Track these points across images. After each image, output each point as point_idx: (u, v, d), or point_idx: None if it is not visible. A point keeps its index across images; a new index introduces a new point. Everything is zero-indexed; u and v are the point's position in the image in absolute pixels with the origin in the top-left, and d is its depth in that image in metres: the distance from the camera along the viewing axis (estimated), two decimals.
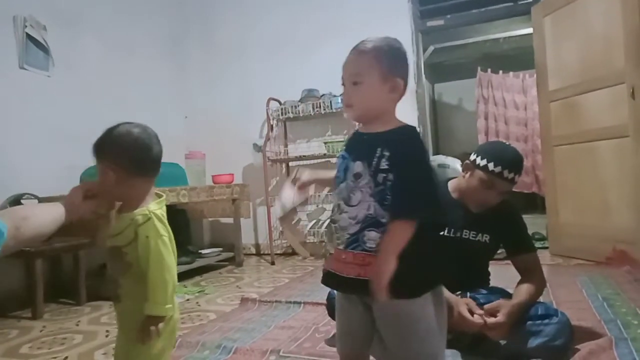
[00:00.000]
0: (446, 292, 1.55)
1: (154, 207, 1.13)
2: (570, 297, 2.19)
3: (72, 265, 2.75)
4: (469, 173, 1.65)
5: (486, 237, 1.70)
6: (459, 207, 1.72)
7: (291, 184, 1.24)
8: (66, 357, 1.85)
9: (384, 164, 0.96)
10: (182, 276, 3.10)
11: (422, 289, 0.97)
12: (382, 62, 1.05)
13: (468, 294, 1.70)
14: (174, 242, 1.13)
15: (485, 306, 1.52)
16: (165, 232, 1.11)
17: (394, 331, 0.99)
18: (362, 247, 0.96)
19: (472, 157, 1.65)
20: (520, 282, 1.65)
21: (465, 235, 1.70)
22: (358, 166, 1.01)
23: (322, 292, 2.13)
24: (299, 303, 2.32)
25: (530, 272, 1.65)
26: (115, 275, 1.13)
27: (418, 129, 3.74)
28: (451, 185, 1.78)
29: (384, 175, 0.96)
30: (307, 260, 3.82)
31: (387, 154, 0.97)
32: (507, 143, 1.76)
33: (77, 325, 2.33)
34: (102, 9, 3.64)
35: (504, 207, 1.74)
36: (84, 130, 3.31)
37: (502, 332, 1.45)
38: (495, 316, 1.47)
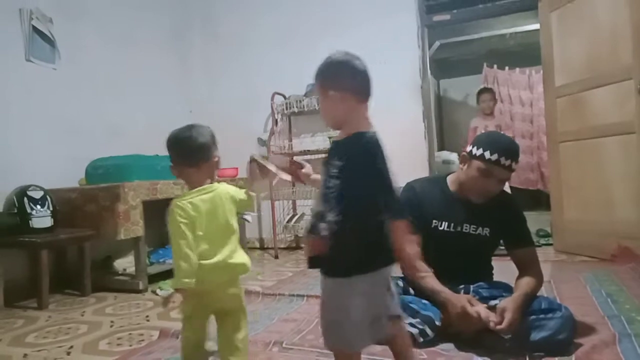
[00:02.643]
0: (447, 292, 1.55)
1: (182, 197, 1.34)
2: (574, 293, 2.18)
3: (77, 257, 2.77)
4: (466, 164, 1.66)
5: (487, 230, 1.70)
6: (458, 201, 1.72)
7: (286, 164, 1.34)
8: (71, 347, 1.86)
9: (332, 171, 1.07)
10: None
11: (343, 272, 1.08)
12: (319, 79, 1.22)
13: (471, 288, 1.70)
14: (199, 224, 1.30)
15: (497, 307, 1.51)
16: (183, 219, 1.28)
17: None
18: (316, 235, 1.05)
19: (468, 148, 1.67)
20: (519, 277, 1.65)
21: (466, 229, 1.71)
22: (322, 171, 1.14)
23: None
24: (302, 296, 2.33)
25: (529, 267, 1.66)
26: None
27: (423, 123, 3.77)
28: (450, 179, 1.79)
29: (329, 180, 1.07)
30: None
31: (336, 162, 1.07)
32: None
33: (82, 315, 2.35)
34: (107, 2, 3.64)
35: (505, 201, 1.74)
36: (89, 123, 3.37)
37: (509, 328, 1.45)
38: (502, 317, 1.46)
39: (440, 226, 1.72)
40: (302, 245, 4.09)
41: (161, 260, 3.20)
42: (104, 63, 3.56)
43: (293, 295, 2.37)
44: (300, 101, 3.90)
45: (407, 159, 3.77)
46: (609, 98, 2.85)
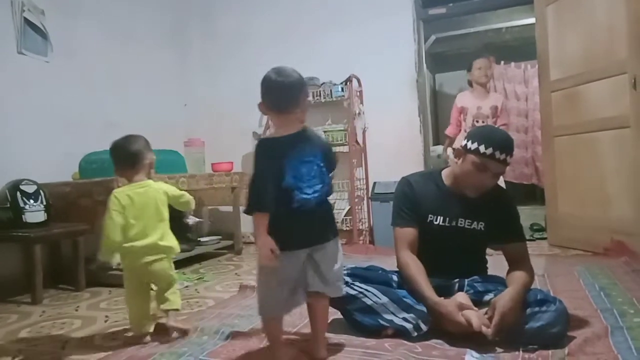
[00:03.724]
0: (436, 300, 1.56)
1: (120, 189, 1.81)
2: (567, 286, 2.20)
3: (71, 251, 2.76)
4: (461, 159, 1.66)
5: (481, 224, 1.71)
6: (453, 196, 1.73)
7: None
8: (66, 342, 1.86)
9: None
10: (181, 263, 3.11)
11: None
12: None
13: (466, 282, 1.71)
14: (130, 212, 1.75)
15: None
16: (115, 206, 1.74)
17: None
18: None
19: (463, 142, 1.67)
20: (511, 271, 1.66)
21: (461, 223, 1.71)
22: None
23: None
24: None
25: (521, 262, 1.67)
26: None
27: (418, 117, 3.76)
28: (445, 174, 1.79)
29: None
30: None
31: None
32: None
33: (77, 310, 2.34)
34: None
35: (500, 196, 1.75)
36: (83, 117, 3.34)
37: (498, 334, 1.45)
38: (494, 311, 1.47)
39: (436, 221, 1.73)
40: None
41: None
42: (100, 57, 3.53)
43: None
44: None
45: (402, 152, 3.78)
46: (604, 92, 2.86)
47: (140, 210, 1.75)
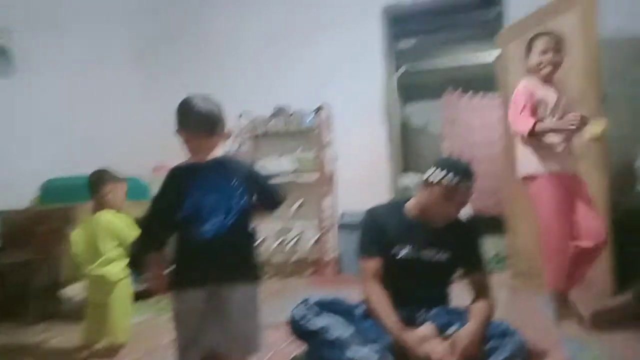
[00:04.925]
0: (400, 333, 1.56)
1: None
2: (528, 317, 2.22)
3: (23, 282, 2.62)
4: (428, 190, 1.68)
5: (446, 255, 1.73)
6: (418, 227, 1.75)
7: None
8: None
9: None
10: (143, 294, 2.99)
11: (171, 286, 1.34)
12: None
13: (429, 314, 1.71)
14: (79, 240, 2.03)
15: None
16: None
17: None
18: None
19: (428, 173, 1.70)
20: (474, 302, 1.68)
21: (426, 254, 1.73)
22: None
23: (286, 312, 2.09)
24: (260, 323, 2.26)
25: (483, 291, 1.70)
26: None
27: (387, 147, 3.81)
28: (410, 204, 1.81)
29: None
30: (272, 279, 3.76)
31: None
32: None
33: (25, 346, 2.20)
34: (75, 16, 3.55)
35: (463, 226, 1.78)
36: (49, 137, 3.23)
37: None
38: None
39: (402, 251, 1.74)
40: None
41: None
42: (65, 76, 3.44)
43: None
44: (265, 123, 3.89)
45: (371, 182, 3.81)
46: None
47: (87, 241, 2.00)
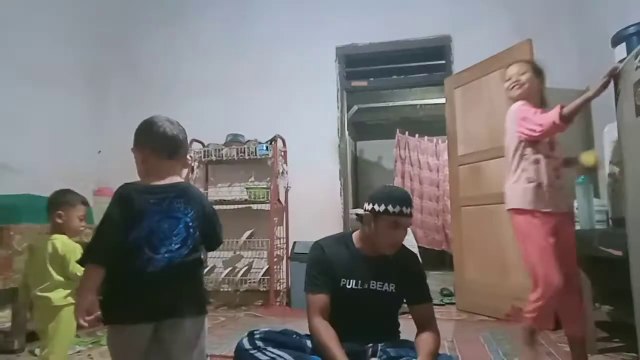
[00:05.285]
0: None
1: None
2: (474, 352, 2.27)
3: None
4: (372, 223, 1.71)
5: (392, 286, 1.75)
6: (365, 259, 1.77)
7: None
8: None
9: None
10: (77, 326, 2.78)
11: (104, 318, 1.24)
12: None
13: (379, 347, 1.70)
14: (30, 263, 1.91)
15: None
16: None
17: None
18: None
19: (369, 206, 1.72)
20: (420, 334, 1.68)
21: (373, 285, 1.74)
22: None
23: (232, 344, 2.02)
24: (206, 356, 2.17)
25: (428, 323, 1.71)
26: None
27: (339, 181, 3.87)
28: (355, 237, 1.83)
29: None
30: (219, 309, 3.63)
31: None
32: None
33: None
34: (14, 33, 3.40)
35: (408, 257, 1.82)
36: None
37: None
38: None
39: (349, 284, 1.74)
40: None
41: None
42: (7, 97, 3.25)
43: None
44: (219, 150, 3.85)
45: (323, 213, 3.83)
46: (503, 169, 3.16)
47: (34, 262, 1.87)
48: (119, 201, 1.24)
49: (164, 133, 1.33)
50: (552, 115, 1.79)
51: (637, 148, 1.58)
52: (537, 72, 2.02)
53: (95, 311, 1.20)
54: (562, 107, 1.77)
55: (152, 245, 1.22)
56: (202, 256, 1.37)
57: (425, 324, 1.70)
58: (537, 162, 1.91)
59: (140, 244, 1.21)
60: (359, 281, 1.73)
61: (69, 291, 1.84)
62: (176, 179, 1.34)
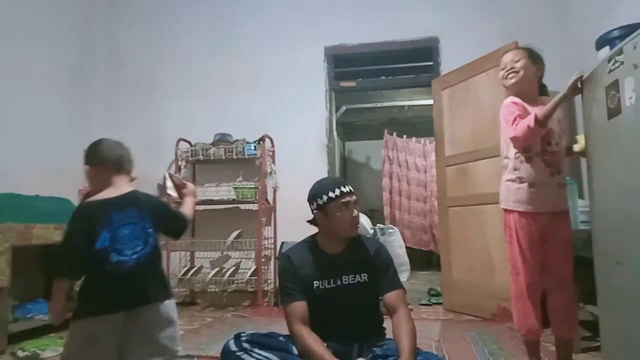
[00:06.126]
0: None
1: None
2: (460, 351, 2.29)
3: None
4: (324, 217, 1.74)
5: (364, 275, 1.76)
6: (332, 256, 1.78)
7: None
8: None
9: None
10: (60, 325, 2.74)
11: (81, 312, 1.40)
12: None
13: (365, 346, 1.70)
14: None
15: None
16: None
17: None
18: None
19: (314, 206, 1.77)
20: (395, 325, 1.66)
21: (345, 280, 1.75)
22: None
23: (219, 345, 2.01)
24: (192, 356, 2.16)
25: (400, 308, 1.70)
26: None
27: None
28: (318, 238, 1.84)
29: None
30: (206, 310, 3.60)
31: None
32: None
33: None
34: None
35: (375, 246, 1.84)
36: None
37: None
38: None
39: (322, 285, 1.75)
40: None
41: (28, 316, 2.79)
42: None
43: (182, 356, 2.17)
44: (206, 149, 3.83)
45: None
46: (489, 170, 3.19)
47: None
48: (78, 218, 1.44)
49: (111, 151, 1.55)
50: (527, 120, 1.78)
51: (607, 150, 1.60)
52: (534, 59, 1.95)
53: (64, 314, 1.40)
54: (536, 115, 1.76)
55: (118, 250, 1.41)
56: (160, 250, 1.56)
57: (398, 309, 1.69)
58: (529, 160, 1.86)
59: (107, 251, 1.40)
60: (331, 280, 1.74)
61: None
62: (126, 189, 1.52)
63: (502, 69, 1.98)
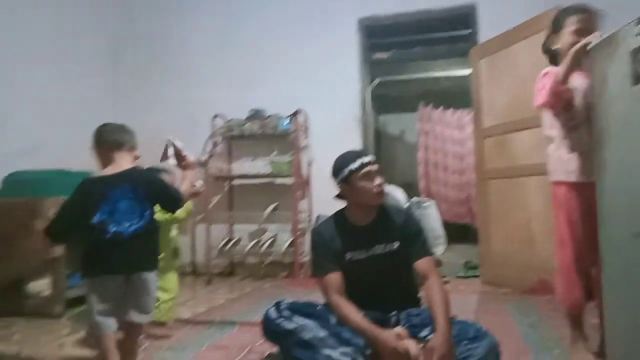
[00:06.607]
0: (375, 331, 1.56)
1: None
2: (498, 322, 2.27)
3: None
4: (349, 189, 1.75)
5: (396, 243, 1.77)
6: (361, 227, 1.79)
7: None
8: None
9: None
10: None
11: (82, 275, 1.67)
12: None
13: (402, 315, 1.73)
14: None
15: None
16: None
17: None
18: None
19: (337, 180, 1.78)
20: (427, 293, 1.66)
21: (377, 250, 1.77)
22: None
23: (259, 313, 2.08)
24: (234, 323, 2.25)
25: (431, 276, 1.69)
26: None
27: None
28: (347, 210, 1.84)
29: None
30: (245, 280, 3.72)
31: None
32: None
33: None
34: (39, 14, 3.45)
35: (405, 215, 1.84)
36: (7, 134, 3.11)
37: None
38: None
39: (354, 257, 1.76)
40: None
41: (81, 283, 2.96)
42: (29, 73, 3.33)
43: (224, 322, 2.28)
44: (241, 125, 3.87)
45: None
46: (530, 140, 3.10)
47: None
48: (78, 191, 1.65)
49: (112, 133, 1.73)
50: (547, 82, 1.72)
51: (629, 118, 1.49)
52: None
53: None
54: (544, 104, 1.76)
55: (116, 222, 1.60)
56: (156, 224, 1.75)
57: (430, 276, 1.69)
58: (575, 128, 1.77)
59: (106, 223, 1.59)
60: (362, 250, 1.76)
61: (162, 255, 2.00)
62: (125, 167, 1.68)
63: (576, 33, 1.75)
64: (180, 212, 2.07)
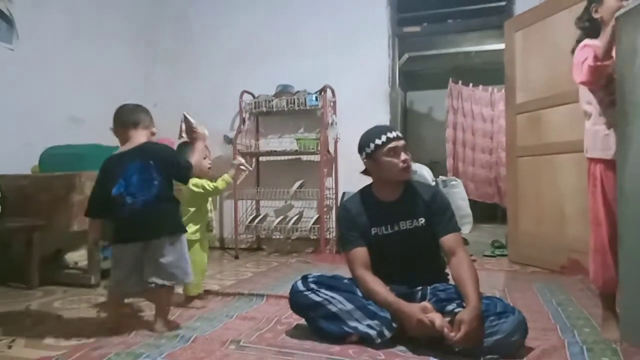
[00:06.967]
0: (400, 304, 1.57)
1: None
2: (526, 301, 2.25)
3: (25, 248, 2.62)
4: (375, 165, 1.75)
5: (422, 220, 1.76)
6: (387, 203, 1.78)
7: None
8: (13, 340, 1.76)
9: None
10: None
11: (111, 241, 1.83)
12: None
13: (428, 290, 1.73)
14: None
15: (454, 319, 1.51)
16: None
17: None
18: None
19: (363, 156, 1.79)
20: (454, 268, 1.66)
21: (403, 225, 1.76)
22: None
23: (286, 286, 2.12)
24: (262, 295, 2.30)
25: (458, 250, 1.69)
26: None
27: None
28: (374, 186, 1.83)
29: None
30: (272, 255, 3.79)
31: None
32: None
33: (27, 308, 2.22)
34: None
35: (432, 191, 1.82)
36: (45, 109, 3.22)
37: (462, 343, 1.46)
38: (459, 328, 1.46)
39: (380, 232, 1.77)
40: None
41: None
42: (66, 48, 3.43)
43: (252, 294, 2.33)
44: (269, 101, 3.88)
45: None
46: (565, 117, 2.99)
47: None
48: (102, 168, 1.83)
49: (126, 114, 1.87)
50: (587, 60, 1.62)
51: None
52: None
53: (98, 240, 2.03)
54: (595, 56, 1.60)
55: (131, 194, 1.74)
56: (172, 194, 1.86)
57: (456, 252, 1.69)
58: (614, 103, 1.67)
59: (123, 195, 1.74)
60: (388, 225, 1.76)
61: (197, 226, 2.18)
62: (139, 142, 1.81)
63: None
64: (220, 182, 2.25)
